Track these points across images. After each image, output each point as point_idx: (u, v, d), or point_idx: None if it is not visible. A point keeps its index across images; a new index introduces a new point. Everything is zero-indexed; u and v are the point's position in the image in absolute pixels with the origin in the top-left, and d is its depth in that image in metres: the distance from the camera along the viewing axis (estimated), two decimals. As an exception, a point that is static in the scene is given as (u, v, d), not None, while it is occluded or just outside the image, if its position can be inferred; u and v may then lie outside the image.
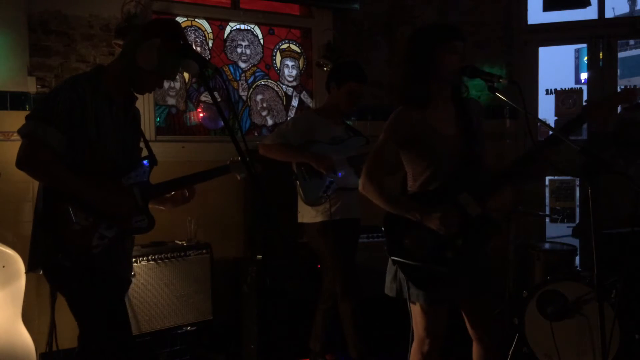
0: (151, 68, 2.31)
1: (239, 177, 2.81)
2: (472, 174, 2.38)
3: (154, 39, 2.27)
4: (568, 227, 4.84)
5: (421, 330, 2.45)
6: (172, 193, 2.63)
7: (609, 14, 5.38)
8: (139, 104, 2.55)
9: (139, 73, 2.33)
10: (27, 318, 3.30)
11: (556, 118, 5.04)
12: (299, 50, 4.99)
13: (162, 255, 3.67)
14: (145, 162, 2.46)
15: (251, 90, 4.78)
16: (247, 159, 2.05)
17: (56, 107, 2.20)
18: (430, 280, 2.36)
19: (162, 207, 2.63)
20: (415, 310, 2.44)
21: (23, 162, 2.19)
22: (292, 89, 4.97)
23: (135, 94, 2.49)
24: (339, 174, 3.51)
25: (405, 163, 2.50)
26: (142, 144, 2.56)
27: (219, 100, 4.44)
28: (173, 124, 4.46)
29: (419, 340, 2.48)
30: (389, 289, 2.50)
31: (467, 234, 2.34)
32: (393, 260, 2.42)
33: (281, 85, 4.92)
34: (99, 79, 2.33)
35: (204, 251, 3.86)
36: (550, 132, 2.32)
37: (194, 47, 3.99)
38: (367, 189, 2.43)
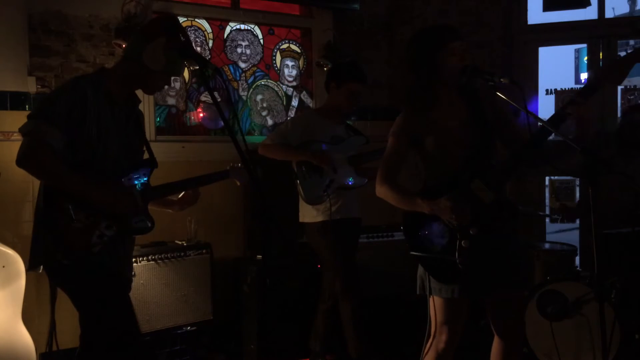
0: (160, 68, 2.32)
1: (238, 183, 2.81)
2: (484, 161, 2.38)
3: (158, 38, 2.29)
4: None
5: (439, 325, 2.43)
6: (181, 195, 2.65)
7: (609, 14, 5.38)
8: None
9: (147, 74, 2.34)
10: (27, 318, 3.29)
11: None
12: (299, 50, 4.99)
13: (162, 255, 3.67)
14: (146, 164, 2.47)
15: (251, 90, 4.78)
16: (249, 163, 2.05)
17: (58, 106, 2.21)
18: (450, 273, 2.35)
19: (169, 210, 2.66)
20: (434, 305, 2.43)
21: (23, 160, 2.19)
22: (292, 89, 4.97)
23: (138, 97, 2.50)
24: (349, 181, 3.52)
25: (420, 161, 2.51)
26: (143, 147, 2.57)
27: (219, 100, 4.44)
28: (173, 124, 4.46)
29: (435, 336, 2.46)
30: (417, 287, 2.51)
31: (481, 221, 2.32)
32: (412, 255, 2.42)
33: (281, 85, 4.92)
34: (102, 80, 2.34)
35: (204, 251, 3.86)
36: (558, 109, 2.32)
37: (194, 47, 3.98)
38: (381, 192, 2.45)
